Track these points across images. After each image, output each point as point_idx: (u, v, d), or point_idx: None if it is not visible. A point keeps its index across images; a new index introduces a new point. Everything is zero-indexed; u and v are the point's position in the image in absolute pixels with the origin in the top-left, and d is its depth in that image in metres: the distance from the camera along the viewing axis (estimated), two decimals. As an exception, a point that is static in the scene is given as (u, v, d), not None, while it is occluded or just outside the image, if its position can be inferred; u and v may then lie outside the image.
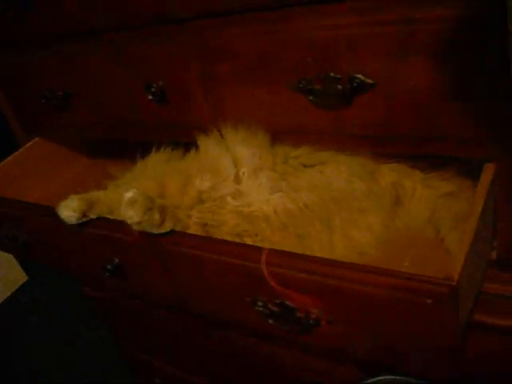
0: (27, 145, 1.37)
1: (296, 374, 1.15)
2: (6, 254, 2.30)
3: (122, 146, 1.34)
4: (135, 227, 0.86)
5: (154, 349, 1.53)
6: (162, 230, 0.87)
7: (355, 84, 0.75)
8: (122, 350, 1.68)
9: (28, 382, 1.99)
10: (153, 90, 0.98)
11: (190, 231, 0.92)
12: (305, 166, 0.95)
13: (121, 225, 0.90)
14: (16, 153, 1.36)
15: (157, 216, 0.85)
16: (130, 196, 0.84)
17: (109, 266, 0.98)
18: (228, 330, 1.18)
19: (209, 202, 0.95)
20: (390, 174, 0.93)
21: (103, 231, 0.97)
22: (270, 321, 0.80)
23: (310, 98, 0.80)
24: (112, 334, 1.69)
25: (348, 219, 0.91)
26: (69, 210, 0.94)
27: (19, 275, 2.50)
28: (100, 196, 0.98)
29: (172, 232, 0.88)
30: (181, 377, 1.51)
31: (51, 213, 1.04)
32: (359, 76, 0.74)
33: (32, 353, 2.11)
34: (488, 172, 0.74)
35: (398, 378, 0.91)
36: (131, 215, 0.84)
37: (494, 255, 0.81)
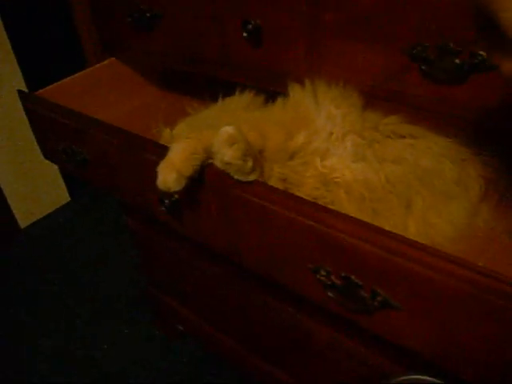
0: (102, 63, 1.33)
1: (326, 352, 1.10)
2: (52, 172, 2.36)
3: (194, 81, 1.30)
4: (220, 166, 0.80)
5: (183, 295, 1.50)
6: (245, 179, 0.81)
7: (476, 61, 0.69)
8: (149, 289, 1.66)
9: (44, 303, 2.02)
10: (249, 27, 0.92)
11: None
12: (395, 135, 0.88)
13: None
14: (89, 69, 1.32)
15: (250, 164, 0.79)
16: (231, 133, 0.77)
17: (166, 201, 0.93)
18: (267, 295, 1.14)
19: (298, 159, 0.89)
20: (482, 166, 0.86)
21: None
22: (330, 293, 0.75)
23: (423, 67, 0.74)
24: (141, 270, 1.68)
25: (430, 203, 0.85)
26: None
27: (62, 195, 2.50)
28: None
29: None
30: (206, 330, 1.48)
31: (116, 132, 1.00)
32: (483, 53, 0.68)
33: (53, 276, 2.14)
34: None
35: (426, 378, 0.86)
36: (226, 154, 0.77)
37: None
